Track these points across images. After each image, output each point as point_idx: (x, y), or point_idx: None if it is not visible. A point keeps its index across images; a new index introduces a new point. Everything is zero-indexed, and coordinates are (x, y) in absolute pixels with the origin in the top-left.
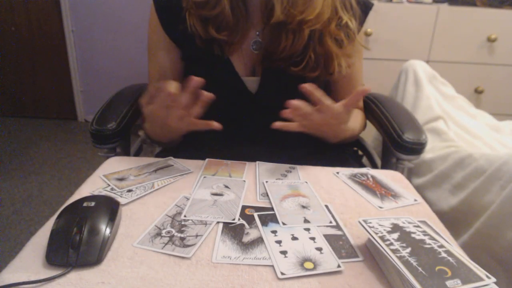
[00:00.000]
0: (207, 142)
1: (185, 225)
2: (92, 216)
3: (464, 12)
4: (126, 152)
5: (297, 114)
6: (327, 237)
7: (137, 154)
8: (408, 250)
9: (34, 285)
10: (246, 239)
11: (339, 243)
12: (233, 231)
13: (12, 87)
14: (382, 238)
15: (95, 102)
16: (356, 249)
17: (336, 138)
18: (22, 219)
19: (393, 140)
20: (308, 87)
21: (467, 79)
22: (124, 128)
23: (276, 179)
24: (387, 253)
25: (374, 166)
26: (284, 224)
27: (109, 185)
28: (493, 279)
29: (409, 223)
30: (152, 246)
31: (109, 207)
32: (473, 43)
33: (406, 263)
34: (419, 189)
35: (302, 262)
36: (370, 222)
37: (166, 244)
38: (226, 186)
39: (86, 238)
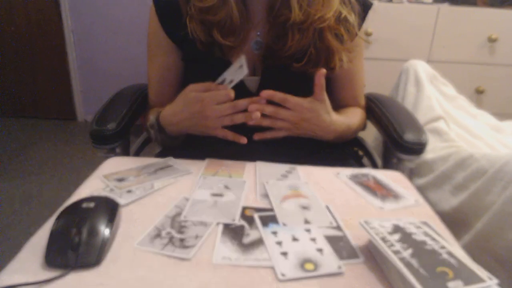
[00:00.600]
0: (207, 142)
1: (185, 226)
2: (92, 217)
3: (465, 12)
4: (126, 153)
5: (265, 120)
6: (328, 238)
7: (137, 154)
8: (409, 251)
9: (33, 286)
10: (246, 240)
11: (340, 244)
12: (233, 232)
13: (11, 87)
14: (383, 239)
15: (95, 102)
16: (357, 250)
17: (328, 133)
18: (21, 220)
19: (393, 140)
20: (264, 94)
21: (468, 79)
22: (124, 129)
23: (277, 180)
24: (388, 254)
25: (374, 166)
26: (284, 225)
27: (108, 186)
28: (495, 280)
29: (410, 224)
30: (151, 247)
31: (108, 208)
32: (474, 43)
33: (407, 264)
34: (420, 189)
35: (303, 263)
36: (371, 223)
37: (166, 245)
38: (226, 187)
39: (85, 239)
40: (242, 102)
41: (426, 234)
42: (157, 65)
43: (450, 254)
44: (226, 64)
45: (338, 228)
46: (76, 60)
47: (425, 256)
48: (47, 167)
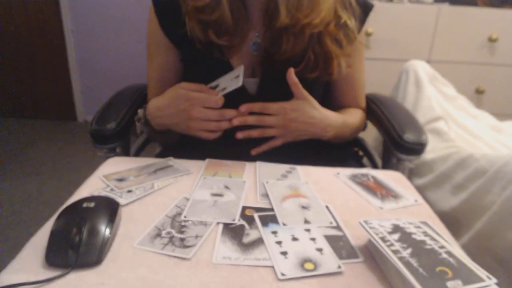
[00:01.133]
0: (207, 142)
1: (185, 226)
2: (92, 217)
3: (465, 12)
4: (126, 153)
5: (254, 131)
6: (328, 237)
7: (137, 154)
8: (409, 251)
9: (33, 286)
10: (246, 239)
11: (339, 244)
12: (233, 231)
13: (11, 88)
14: (382, 239)
15: (95, 102)
16: (357, 250)
17: (324, 129)
18: (21, 220)
19: (393, 141)
20: (243, 109)
21: (468, 79)
22: (124, 128)
23: (277, 180)
24: (387, 254)
25: (374, 166)
26: (284, 224)
27: (108, 186)
28: (494, 280)
29: (410, 223)
30: (152, 247)
31: (108, 208)
32: (474, 43)
33: (407, 264)
34: (420, 189)
35: (303, 263)
36: (371, 223)
37: (166, 245)
38: (226, 187)
39: (85, 238)
40: (230, 113)
41: (426, 234)
42: (157, 65)
43: (449, 253)
44: (225, 65)
45: (338, 228)
46: (76, 60)
47: (425, 256)
48: (47, 167)
